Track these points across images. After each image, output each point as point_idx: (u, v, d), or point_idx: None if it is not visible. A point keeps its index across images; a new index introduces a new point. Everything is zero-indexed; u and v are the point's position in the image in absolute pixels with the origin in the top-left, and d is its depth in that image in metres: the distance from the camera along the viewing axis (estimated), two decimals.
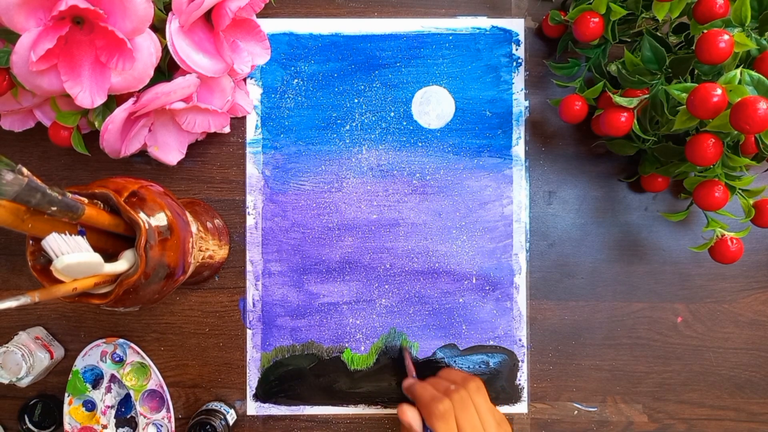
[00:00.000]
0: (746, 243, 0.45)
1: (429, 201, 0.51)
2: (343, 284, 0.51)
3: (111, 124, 0.42)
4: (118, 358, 0.50)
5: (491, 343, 0.51)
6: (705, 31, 0.37)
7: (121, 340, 0.50)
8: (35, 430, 0.50)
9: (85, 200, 0.33)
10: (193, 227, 0.41)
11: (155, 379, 0.50)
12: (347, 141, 0.51)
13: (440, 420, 0.40)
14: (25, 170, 0.27)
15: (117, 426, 0.51)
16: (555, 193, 0.51)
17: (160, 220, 0.36)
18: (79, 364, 0.50)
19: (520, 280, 0.51)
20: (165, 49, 0.42)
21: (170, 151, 0.47)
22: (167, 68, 0.44)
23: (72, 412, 0.50)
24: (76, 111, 0.44)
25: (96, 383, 0.50)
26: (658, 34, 0.40)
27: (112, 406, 0.50)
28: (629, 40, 0.46)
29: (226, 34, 0.45)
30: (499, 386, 0.51)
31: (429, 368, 0.51)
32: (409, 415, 0.42)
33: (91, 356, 0.50)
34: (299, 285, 0.51)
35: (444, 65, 0.51)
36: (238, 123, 0.51)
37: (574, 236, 0.51)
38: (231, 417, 0.49)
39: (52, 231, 0.30)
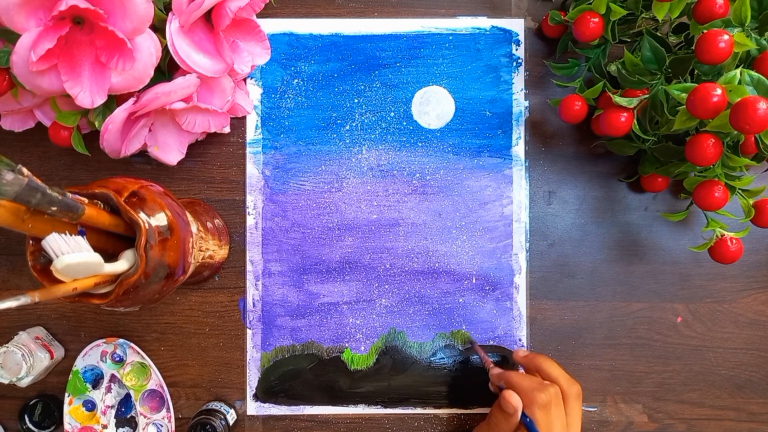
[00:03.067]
0: (746, 243, 0.45)
1: (429, 201, 0.51)
2: (343, 284, 0.51)
3: (111, 124, 0.42)
4: (118, 358, 0.50)
5: (491, 343, 0.51)
6: (705, 31, 0.37)
7: (121, 340, 0.50)
8: (35, 430, 0.50)
9: (85, 200, 0.33)
10: (193, 227, 0.41)
11: (155, 379, 0.50)
12: (347, 141, 0.51)
13: (542, 409, 0.41)
14: (25, 170, 0.27)
15: (117, 426, 0.51)
16: (555, 193, 0.51)
17: (160, 220, 0.36)
18: (79, 364, 0.50)
19: (520, 280, 0.51)
20: (165, 49, 0.42)
21: (170, 151, 0.47)
22: (167, 68, 0.44)
23: (72, 412, 0.50)
24: (76, 111, 0.44)
25: (96, 383, 0.50)
26: (658, 34, 0.40)
27: (112, 406, 0.50)
28: (629, 40, 0.46)
29: (226, 34, 0.45)
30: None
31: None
32: (515, 400, 0.42)
33: (91, 356, 0.50)
34: (299, 285, 0.51)
35: (444, 65, 0.51)
36: (238, 123, 0.51)
37: (574, 236, 0.51)
38: (231, 417, 0.49)
39: (52, 231, 0.30)
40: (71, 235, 0.31)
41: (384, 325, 0.51)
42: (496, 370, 0.47)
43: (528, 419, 0.41)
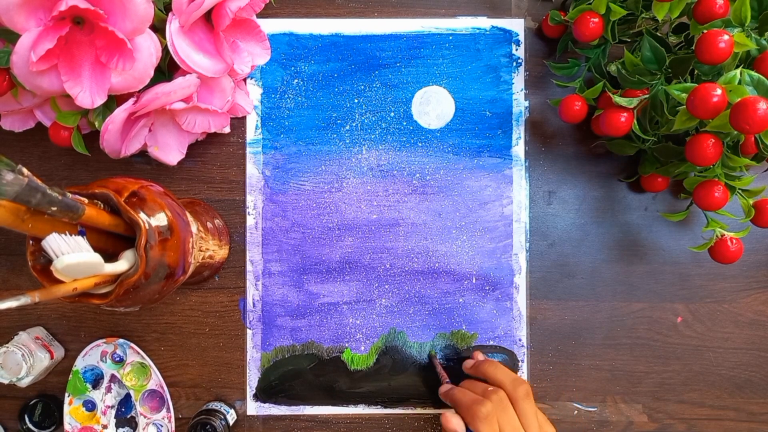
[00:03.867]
0: (746, 243, 0.45)
1: (429, 201, 0.51)
2: (343, 284, 0.51)
3: (111, 124, 0.42)
4: (118, 358, 0.50)
5: (491, 343, 0.51)
6: (705, 31, 0.37)
7: (121, 340, 0.50)
8: (35, 430, 0.50)
9: (85, 200, 0.33)
10: (194, 227, 0.41)
11: (155, 379, 0.50)
12: (347, 141, 0.51)
13: (483, 422, 0.40)
14: (25, 170, 0.27)
15: (117, 426, 0.51)
16: (555, 193, 0.51)
17: (160, 220, 0.36)
18: (80, 364, 0.50)
19: (520, 280, 0.51)
20: (165, 49, 0.42)
21: (170, 151, 0.47)
22: (167, 68, 0.44)
23: (72, 412, 0.50)
24: (76, 111, 0.44)
25: (96, 383, 0.50)
26: (658, 34, 0.40)
27: (112, 406, 0.50)
28: (629, 40, 0.46)
29: (226, 34, 0.45)
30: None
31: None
32: (454, 422, 0.42)
33: (91, 356, 0.50)
34: (299, 285, 0.51)
35: (444, 65, 0.51)
36: (238, 123, 0.51)
37: (574, 236, 0.51)
38: (231, 417, 0.49)
39: (52, 231, 0.30)
40: (71, 235, 0.31)
41: (384, 325, 0.51)
42: (443, 388, 0.47)
43: None
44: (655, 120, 0.42)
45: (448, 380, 0.48)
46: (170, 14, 0.41)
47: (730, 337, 0.51)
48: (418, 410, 0.51)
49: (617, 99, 0.41)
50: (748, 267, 0.51)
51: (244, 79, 0.51)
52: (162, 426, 0.50)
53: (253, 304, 0.51)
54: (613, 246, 0.51)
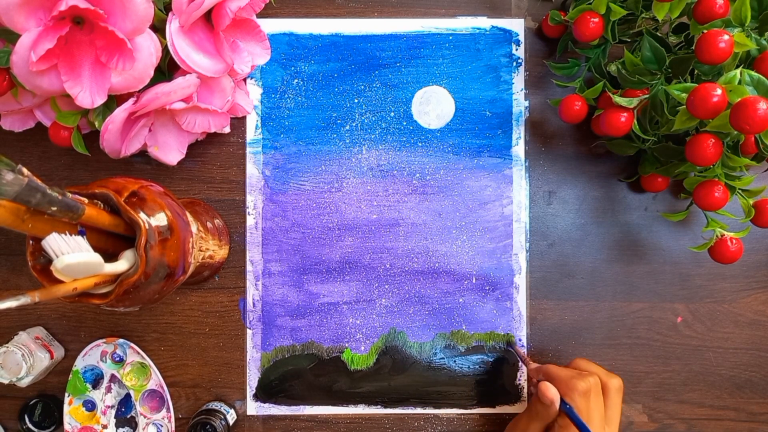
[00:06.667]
0: (746, 243, 0.45)
1: (429, 201, 0.51)
2: (343, 284, 0.51)
3: (111, 124, 0.42)
4: (118, 358, 0.50)
5: (491, 343, 0.51)
6: (705, 31, 0.37)
7: (121, 340, 0.50)
8: (35, 430, 0.50)
9: (85, 200, 0.33)
10: (193, 227, 0.41)
11: (155, 379, 0.50)
12: (347, 141, 0.51)
13: (582, 396, 0.41)
14: (25, 170, 0.27)
15: (117, 426, 0.51)
16: (555, 193, 0.51)
17: (160, 220, 0.36)
18: (79, 364, 0.50)
19: (520, 280, 0.51)
20: (165, 49, 0.42)
21: (170, 151, 0.47)
22: (167, 68, 0.44)
23: (72, 412, 0.50)
24: (76, 111, 0.44)
25: (96, 383, 0.50)
26: (658, 34, 0.40)
27: (112, 406, 0.50)
28: (629, 40, 0.46)
29: (226, 34, 0.45)
30: (499, 386, 0.51)
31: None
32: (552, 391, 0.42)
33: (91, 356, 0.50)
34: (299, 285, 0.51)
35: (444, 65, 0.51)
36: (238, 123, 0.51)
37: (574, 236, 0.51)
38: (231, 417, 0.49)
39: (52, 231, 0.30)
40: (71, 235, 0.31)
41: (384, 325, 0.51)
42: (533, 365, 0.47)
43: (567, 406, 0.41)
44: (655, 120, 0.42)
45: (530, 361, 0.48)
46: (170, 14, 0.41)
47: (730, 337, 0.51)
48: (418, 410, 0.51)
49: (617, 99, 0.41)
50: (748, 267, 0.51)
51: (244, 79, 0.51)
52: (162, 426, 0.50)
53: (253, 304, 0.51)
54: (613, 246, 0.51)
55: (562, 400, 0.42)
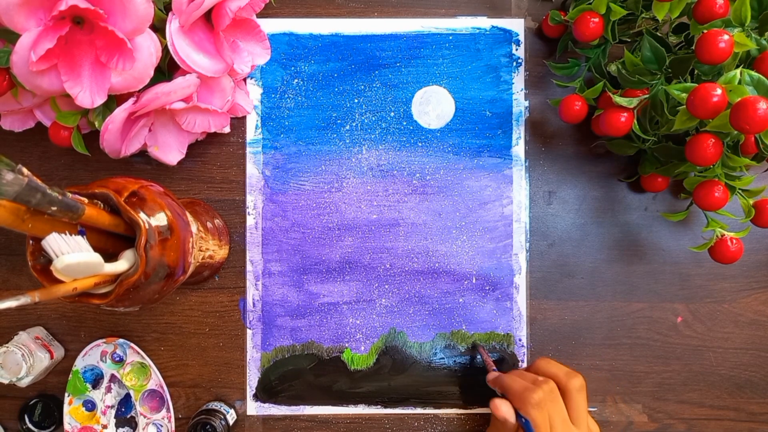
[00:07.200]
0: (746, 243, 0.45)
1: (429, 201, 0.51)
2: (343, 284, 0.51)
3: (111, 124, 0.42)
4: (118, 358, 0.50)
5: (491, 343, 0.51)
6: (705, 31, 0.37)
7: (121, 340, 0.50)
8: (35, 430, 0.50)
9: (85, 200, 0.33)
10: (193, 227, 0.41)
11: (155, 379, 0.50)
12: (347, 141, 0.51)
13: (535, 408, 0.40)
14: (25, 170, 0.27)
15: (117, 426, 0.51)
16: (555, 193, 0.51)
17: (160, 220, 0.36)
18: (79, 364, 0.50)
19: (520, 280, 0.51)
20: (165, 49, 0.42)
21: (170, 151, 0.47)
22: (167, 68, 0.44)
23: (72, 412, 0.50)
24: (76, 111, 0.44)
25: (96, 383, 0.50)
26: (658, 34, 0.40)
27: (112, 406, 0.50)
28: (629, 40, 0.46)
29: (226, 34, 0.45)
30: None
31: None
32: (504, 409, 0.42)
33: (91, 356, 0.50)
34: (299, 285, 0.51)
35: (444, 65, 0.51)
36: (238, 123, 0.51)
37: (574, 236, 0.51)
38: (231, 417, 0.49)
39: (52, 231, 0.30)
40: (71, 235, 0.31)
41: (384, 325, 0.51)
42: (491, 375, 0.47)
43: (524, 420, 0.41)
44: (655, 120, 0.42)
45: (494, 368, 0.48)
46: (170, 14, 0.41)
47: (730, 337, 0.51)
48: (418, 410, 0.51)
49: (617, 99, 0.41)
50: (748, 267, 0.51)
51: (244, 79, 0.51)
52: (162, 426, 0.50)
53: (253, 304, 0.51)
54: (613, 246, 0.51)
55: (518, 414, 0.41)
